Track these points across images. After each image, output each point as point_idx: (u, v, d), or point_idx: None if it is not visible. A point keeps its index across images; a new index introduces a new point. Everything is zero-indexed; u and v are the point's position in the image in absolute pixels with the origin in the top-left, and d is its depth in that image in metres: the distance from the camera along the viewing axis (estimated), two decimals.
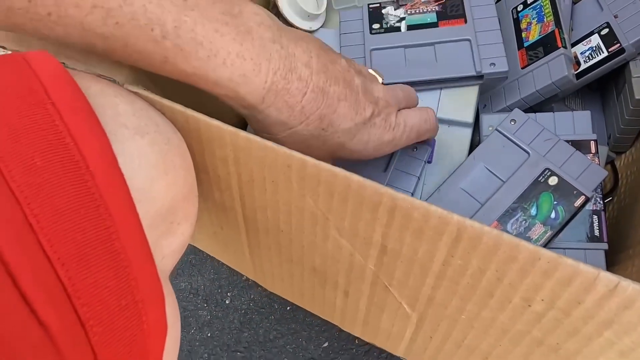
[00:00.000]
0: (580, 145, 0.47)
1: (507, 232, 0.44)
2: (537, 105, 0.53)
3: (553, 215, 0.44)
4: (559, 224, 0.44)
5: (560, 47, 0.50)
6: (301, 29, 0.50)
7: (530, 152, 0.46)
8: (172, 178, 0.29)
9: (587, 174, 0.45)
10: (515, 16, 0.56)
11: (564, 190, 0.44)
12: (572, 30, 0.55)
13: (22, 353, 0.19)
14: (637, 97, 0.50)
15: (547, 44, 0.51)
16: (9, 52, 0.35)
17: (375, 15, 0.53)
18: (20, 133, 0.22)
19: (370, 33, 0.52)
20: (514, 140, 0.47)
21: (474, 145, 0.51)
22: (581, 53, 0.53)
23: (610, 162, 0.58)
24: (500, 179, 0.46)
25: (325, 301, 0.42)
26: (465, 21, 0.50)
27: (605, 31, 0.52)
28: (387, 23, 0.52)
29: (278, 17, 0.39)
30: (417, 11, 0.52)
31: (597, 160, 0.47)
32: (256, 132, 0.36)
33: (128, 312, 0.24)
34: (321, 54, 0.35)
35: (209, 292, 0.67)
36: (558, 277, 0.26)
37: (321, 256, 0.37)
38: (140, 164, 0.26)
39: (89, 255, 0.22)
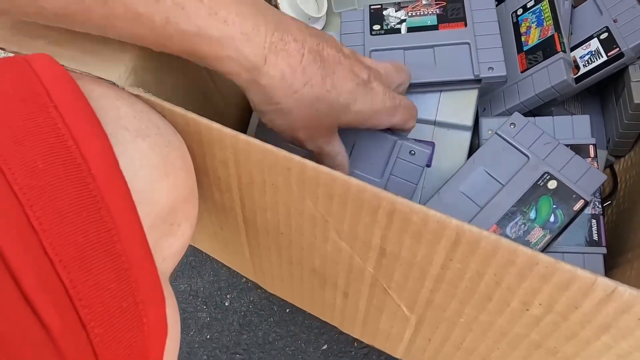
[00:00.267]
0: (579, 149, 0.47)
1: (507, 235, 0.44)
2: (537, 109, 0.53)
3: (552, 219, 0.44)
4: (558, 227, 0.44)
5: (559, 52, 0.50)
6: None
7: (529, 155, 0.46)
8: (173, 180, 0.29)
9: (586, 177, 0.45)
10: (515, 20, 0.56)
11: (563, 194, 0.45)
12: (571, 34, 0.55)
13: (24, 354, 0.20)
14: (636, 102, 0.50)
15: (546, 48, 0.51)
16: (10, 54, 0.35)
17: (376, 16, 0.53)
18: (23, 136, 0.22)
19: (371, 34, 0.52)
20: (514, 143, 0.47)
21: (473, 148, 0.51)
22: (580, 57, 0.53)
23: (609, 166, 0.58)
24: (499, 182, 0.46)
25: (325, 302, 0.43)
26: (466, 24, 0.51)
27: (604, 35, 0.52)
28: (387, 24, 0.53)
29: None
30: (418, 13, 0.52)
31: (596, 164, 0.47)
32: (261, 110, 0.36)
33: (129, 314, 0.24)
34: (307, 24, 0.36)
35: (209, 294, 0.67)
36: (556, 282, 0.26)
37: (321, 258, 0.37)
38: (142, 166, 0.27)
39: (90, 258, 0.23)
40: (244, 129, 0.56)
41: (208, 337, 0.65)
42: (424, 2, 0.53)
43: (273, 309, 0.65)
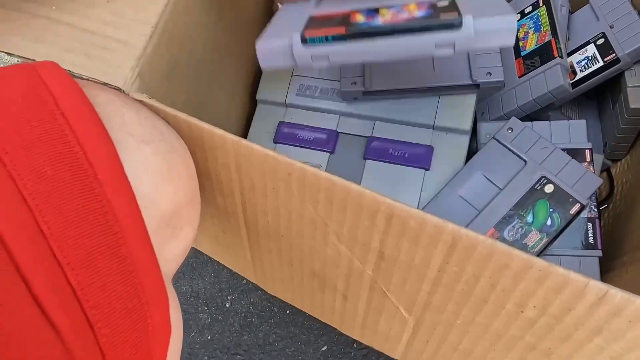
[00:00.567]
0: (575, 154, 0.48)
1: (504, 239, 0.45)
2: (534, 113, 0.54)
3: (549, 222, 0.45)
4: (555, 231, 0.45)
5: (556, 57, 0.51)
6: None
7: (526, 160, 0.47)
8: (176, 184, 0.29)
9: (582, 182, 0.46)
10: None
11: (560, 197, 0.45)
12: (568, 39, 0.56)
13: (34, 353, 0.20)
14: (632, 107, 0.51)
15: (543, 54, 0.52)
16: (15, 59, 0.36)
17: None
18: (32, 142, 0.23)
19: None
20: (511, 148, 0.48)
21: (472, 152, 0.52)
22: (577, 62, 0.54)
23: (606, 170, 0.59)
24: (497, 186, 0.47)
25: (325, 304, 0.43)
26: None
27: (601, 41, 0.53)
28: None
29: None
30: None
31: (592, 168, 0.48)
32: None
33: (134, 315, 0.25)
34: None
35: (210, 295, 0.68)
36: (550, 285, 0.27)
37: (320, 261, 0.38)
38: (146, 171, 0.27)
39: (97, 260, 0.23)
40: (244, 136, 0.57)
41: (209, 338, 0.65)
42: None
43: (273, 310, 0.66)
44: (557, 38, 0.52)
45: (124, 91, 0.34)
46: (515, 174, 0.47)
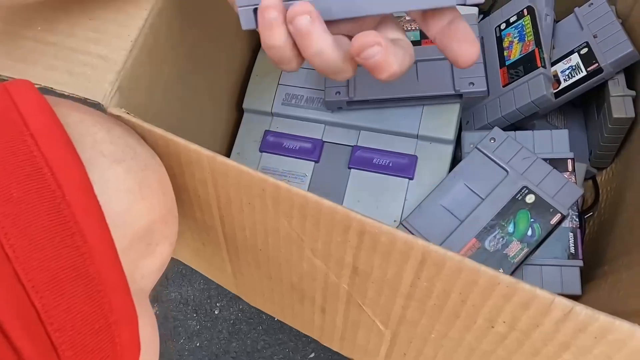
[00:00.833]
0: (558, 163, 0.48)
1: (485, 249, 0.45)
2: (519, 121, 0.54)
3: (530, 232, 0.45)
4: (536, 241, 0.45)
5: (539, 67, 0.51)
6: None
7: (508, 170, 0.47)
8: (149, 202, 0.30)
9: (563, 192, 0.46)
10: (498, 34, 0.57)
11: (541, 208, 0.45)
12: (553, 48, 0.56)
13: None
14: (614, 116, 0.51)
15: (527, 63, 0.52)
16: (4, 77, 0.36)
17: None
18: None
19: None
20: (493, 158, 0.48)
21: (456, 161, 0.52)
22: (561, 72, 0.54)
23: (591, 178, 0.59)
24: (479, 196, 0.47)
25: (304, 317, 0.44)
26: None
27: (584, 50, 0.53)
28: None
29: None
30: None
31: (574, 178, 0.48)
32: None
33: (101, 335, 0.25)
34: None
35: (199, 302, 0.68)
36: (517, 301, 0.27)
37: (298, 274, 0.38)
38: (117, 190, 0.28)
39: (62, 282, 0.24)
40: (228, 151, 0.57)
41: (198, 344, 0.66)
42: (407, 18, 0.54)
43: (262, 317, 0.66)
44: (541, 48, 0.52)
45: (103, 105, 0.35)
46: (497, 184, 0.47)
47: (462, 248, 0.45)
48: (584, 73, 0.52)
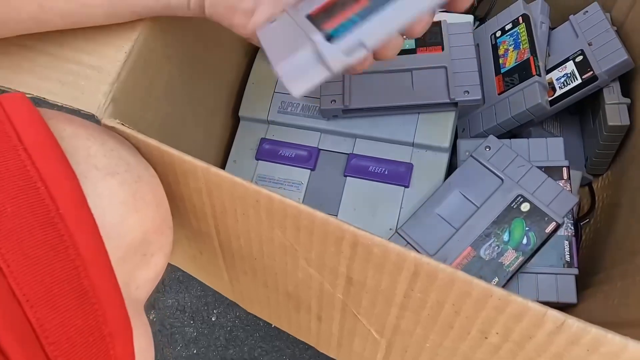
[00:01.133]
0: (553, 171, 0.48)
1: (481, 257, 0.45)
2: (515, 128, 0.54)
3: (525, 241, 0.45)
4: (531, 249, 0.45)
5: (534, 75, 0.51)
6: None
7: (503, 178, 0.47)
8: (143, 214, 0.30)
9: (558, 200, 0.46)
10: (493, 42, 0.57)
11: (536, 216, 0.46)
12: (549, 55, 0.56)
13: None
14: (609, 124, 0.51)
15: (522, 71, 0.52)
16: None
17: None
18: None
19: None
20: (488, 166, 0.48)
21: (452, 169, 0.52)
22: (557, 79, 0.54)
23: (588, 184, 0.59)
24: (474, 204, 0.47)
25: (301, 324, 0.44)
26: (443, 49, 0.52)
27: (579, 58, 0.53)
28: None
29: None
30: None
31: (569, 186, 0.48)
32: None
33: (95, 347, 0.25)
34: None
35: (196, 309, 0.68)
36: (510, 313, 0.27)
37: (293, 283, 0.38)
38: (111, 203, 0.28)
39: (57, 296, 0.24)
40: (224, 159, 0.57)
41: (195, 352, 0.66)
42: None
43: (259, 324, 0.66)
44: (536, 56, 0.52)
45: (97, 117, 0.35)
46: (492, 192, 0.47)
47: (457, 256, 0.45)
48: (579, 81, 0.53)
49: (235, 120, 0.57)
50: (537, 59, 0.52)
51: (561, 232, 0.47)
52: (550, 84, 0.54)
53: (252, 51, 0.59)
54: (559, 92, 0.54)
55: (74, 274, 0.25)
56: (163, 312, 0.68)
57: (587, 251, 0.54)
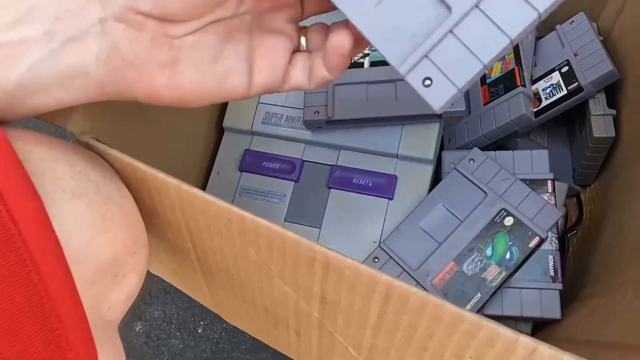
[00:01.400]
0: (538, 184, 0.48)
1: (463, 272, 0.45)
2: (501, 139, 0.54)
3: (508, 256, 0.45)
4: (514, 265, 0.45)
5: (519, 86, 0.51)
6: None
7: (487, 191, 0.47)
8: (113, 235, 0.29)
9: (542, 214, 0.46)
10: None
11: (519, 231, 0.45)
12: (535, 65, 0.56)
13: None
14: (595, 135, 0.51)
15: (507, 82, 0.52)
16: None
17: None
18: None
19: None
20: (472, 179, 0.48)
21: (437, 180, 0.52)
22: (543, 90, 0.54)
23: (576, 195, 0.59)
24: (458, 218, 0.47)
25: (280, 339, 0.43)
26: None
27: (565, 69, 0.53)
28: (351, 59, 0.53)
29: None
30: None
31: (553, 199, 0.48)
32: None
33: None
34: None
35: (182, 321, 0.67)
36: (482, 338, 0.27)
37: (270, 299, 0.38)
38: (77, 225, 0.27)
39: (17, 323, 0.23)
40: (209, 170, 0.57)
41: None
42: None
43: (245, 337, 0.66)
44: (521, 66, 0.52)
45: (72, 132, 0.35)
46: (476, 206, 0.47)
47: (440, 271, 0.45)
48: (565, 92, 0.52)
49: (220, 132, 0.57)
50: (522, 69, 0.52)
51: (545, 246, 0.47)
52: (537, 94, 0.54)
53: None
54: (545, 103, 0.53)
55: (36, 299, 0.24)
56: (150, 323, 0.67)
57: (575, 263, 0.54)
